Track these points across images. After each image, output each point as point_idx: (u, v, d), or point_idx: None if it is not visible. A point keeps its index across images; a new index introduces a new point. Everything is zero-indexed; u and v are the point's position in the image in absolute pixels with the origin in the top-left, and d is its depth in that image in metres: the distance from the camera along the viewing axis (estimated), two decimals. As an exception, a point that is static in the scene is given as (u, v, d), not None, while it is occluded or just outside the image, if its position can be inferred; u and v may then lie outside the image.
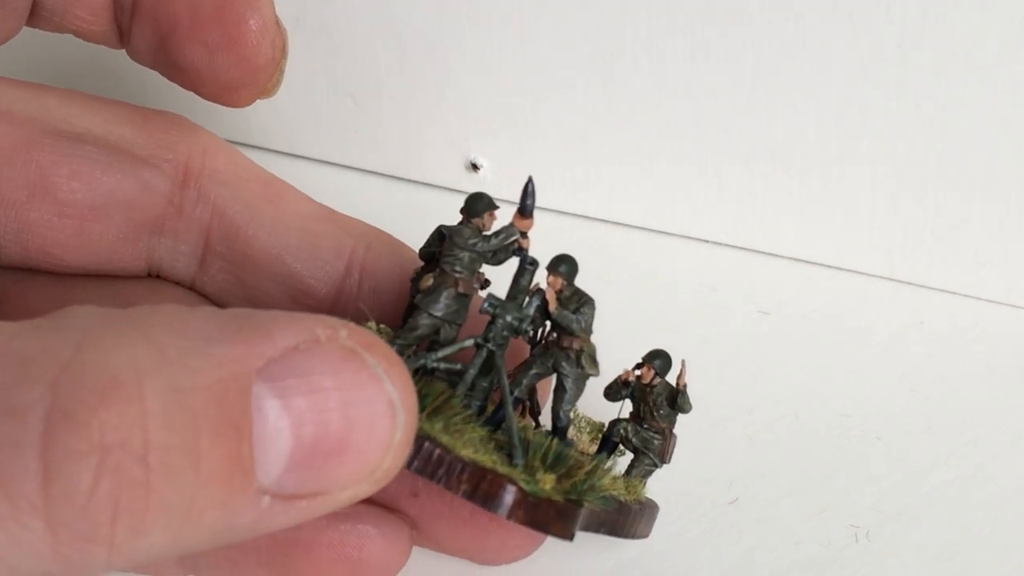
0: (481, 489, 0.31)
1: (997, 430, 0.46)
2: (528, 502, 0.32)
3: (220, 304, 0.39)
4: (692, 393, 0.37)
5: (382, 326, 0.36)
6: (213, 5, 0.35)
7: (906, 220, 0.51)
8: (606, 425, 0.38)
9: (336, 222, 0.40)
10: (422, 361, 0.34)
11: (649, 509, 0.38)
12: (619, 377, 0.37)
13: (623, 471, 0.37)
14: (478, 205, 0.35)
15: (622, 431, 0.37)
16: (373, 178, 0.58)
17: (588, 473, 0.34)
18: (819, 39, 0.49)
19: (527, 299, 0.35)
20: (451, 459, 0.31)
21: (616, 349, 0.38)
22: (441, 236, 0.36)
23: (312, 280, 0.39)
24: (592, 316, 0.35)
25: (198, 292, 0.40)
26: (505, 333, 0.35)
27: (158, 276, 0.39)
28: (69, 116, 0.37)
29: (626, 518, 0.36)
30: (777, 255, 0.54)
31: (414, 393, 0.28)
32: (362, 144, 0.57)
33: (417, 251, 0.37)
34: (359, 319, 0.38)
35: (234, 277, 0.39)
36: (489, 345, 0.34)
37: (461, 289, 0.34)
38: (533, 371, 0.35)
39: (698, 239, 0.55)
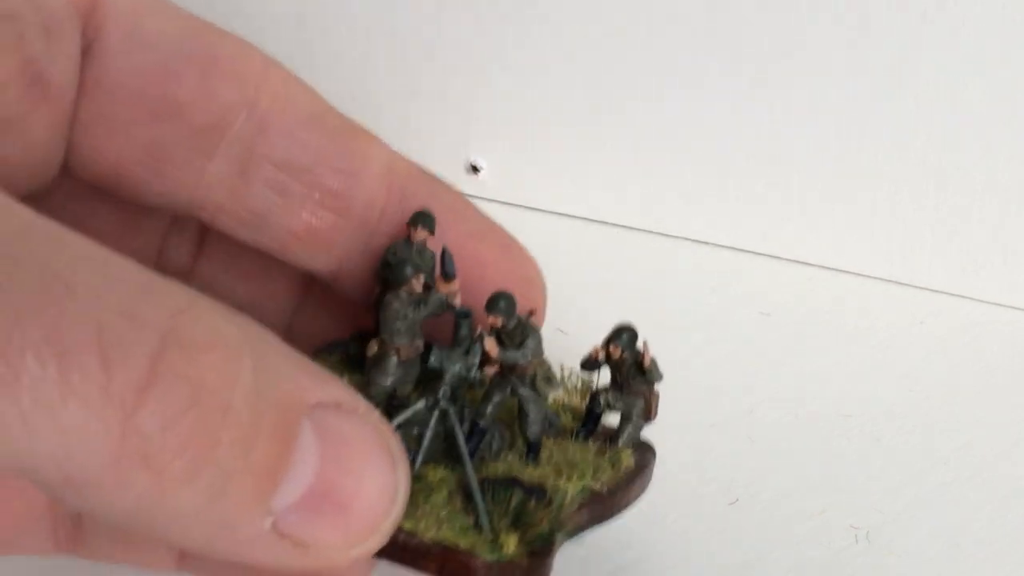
0: (448, 568, 0.32)
1: (997, 430, 0.46)
2: (495, 570, 0.33)
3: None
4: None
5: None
6: None
7: (906, 221, 0.51)
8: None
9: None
10: None
11: (640, 471, 0.37)
12: (589, 355, 0.37)
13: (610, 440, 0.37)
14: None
15: (603, 401, 0.37)
16: (373, 179, 0.58)
17: (552, 517, 0.34)
18: (820, 40, 0.49)
19: (470, 345, 0.36)
20: (416, 543, 0.32)
21: (616, 349, 0.37)
22: (386, 262, 0.37)
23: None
24: (539, 342, 0.35)
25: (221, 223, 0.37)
26: (455, 384, 0.35)
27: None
28: None
29: (612, 502, 0.36)
30: (777, 257, 0.54)
31: (408, 489, 0.29)
32: (362, 145, 0.57)
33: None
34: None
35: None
36: (441, 404, 0.35)
37: (403, 357, 0.35)
38: (496, 399, 0.36)
39: (698, 240, 0.55)
